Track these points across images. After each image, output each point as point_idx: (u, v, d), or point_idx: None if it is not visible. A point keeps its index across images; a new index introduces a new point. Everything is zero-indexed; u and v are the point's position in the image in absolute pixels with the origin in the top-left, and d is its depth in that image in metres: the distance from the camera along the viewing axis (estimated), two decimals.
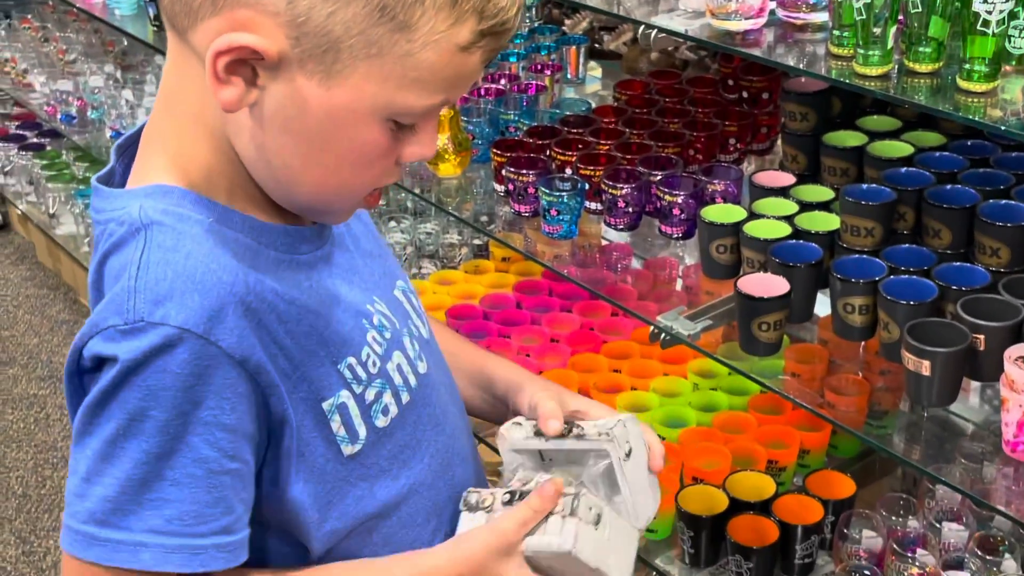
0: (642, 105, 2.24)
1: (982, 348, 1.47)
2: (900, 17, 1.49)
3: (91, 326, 0.96)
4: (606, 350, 2.33)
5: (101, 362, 0.95)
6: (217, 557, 0.97)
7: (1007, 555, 1.73)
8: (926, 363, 1.47)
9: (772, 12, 1.69)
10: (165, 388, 0.93)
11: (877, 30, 1.48)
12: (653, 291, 2.11)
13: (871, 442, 1.68)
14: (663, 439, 2.07)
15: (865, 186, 1.74)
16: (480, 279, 2.65)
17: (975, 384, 1.65)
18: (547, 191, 2.02)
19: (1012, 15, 1.39)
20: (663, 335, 1.85)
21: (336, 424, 1.04)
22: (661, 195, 1.94)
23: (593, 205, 2.05)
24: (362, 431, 1.06)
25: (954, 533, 1.79)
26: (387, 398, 1.09)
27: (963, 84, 1.43)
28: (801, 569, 1.87)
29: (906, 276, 1.59)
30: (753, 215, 1.81)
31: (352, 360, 1.06)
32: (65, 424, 3.24)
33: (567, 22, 2.83)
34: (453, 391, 1.25)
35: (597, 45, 2.80)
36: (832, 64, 1.56)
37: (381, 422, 1.08)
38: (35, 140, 4.19)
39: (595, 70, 2.75)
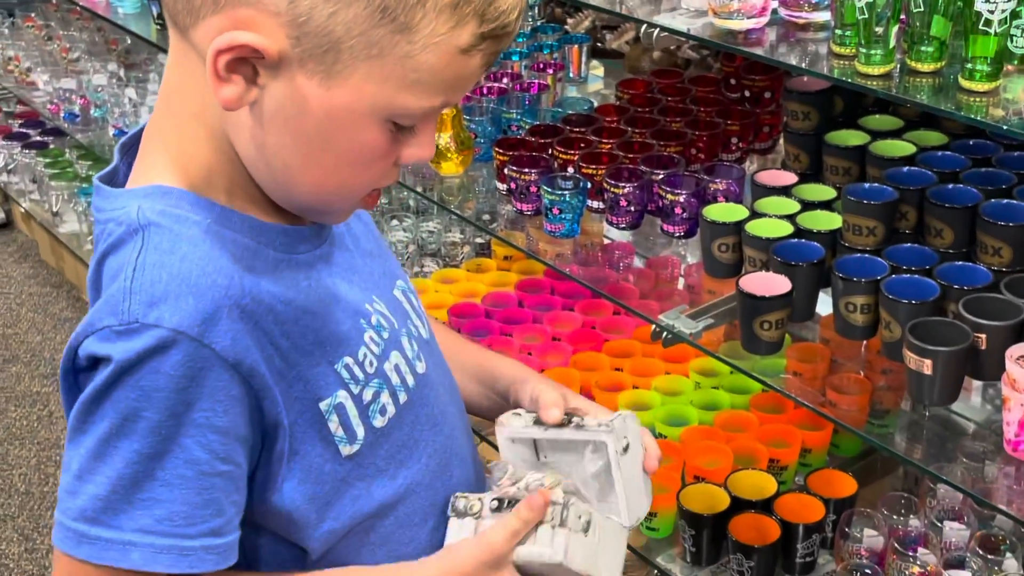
0: (644, 104, 2.24)
1: (984, 347, 1.48)
2: (902, 16, 1.49)
3: (87, 326, 0.96)
4: (608, 349, 2.33)
5: (96, 361, 0.95)
6: (206, 559, 0.98)
7: (1008, 554, 1.73)
8: (928, 362, 1.47)
9: (774, 11, 1.69)
10: (158, 389, 0.93)
11: (879, 29, 1.48)
12: (655, 290, 2.11)
13: (873, 441, 1.68)
14: (665, 438, 2.08)
15: (867, 185, 1.74)
16: (482, 278, 2.65)
17: (977, 383, 1.65)
18: (549, 190, 2.02)
19: (1014, 14, 1.39)
20: (665, 334, 1.85)
21: (334, 424, 1.04)
22: (663, 194, 1.94)
23: (595, 204, 2.05)
24: (360, 431, 1.07)
25: (955, 532, 1.79)
26: (384, 398, 1.09)
27: (965, 83, 1.43)
28: (802, 568, 1.87)
29: (908, 275, 1.59)
30: (755, 214, 1.81)
31: (349, 360, 1.06)
32: None
33: (569, 21, 2.84)
34: (453, 392, 1.25)
35: (599, 44, 2.80)
36: (834, 63, 1.56)
37: (379, 422, 1.08)
38: (38, 138, 4.19)
39: (597, 69, 2.75)
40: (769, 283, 1.69)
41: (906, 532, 1.80)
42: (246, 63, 0.93)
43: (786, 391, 1.77)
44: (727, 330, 1.88)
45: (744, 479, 1.94)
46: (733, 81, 2.22)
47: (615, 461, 1.16)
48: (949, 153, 1.83)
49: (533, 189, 2.07)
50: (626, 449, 1.17)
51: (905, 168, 1.78)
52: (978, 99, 1.42)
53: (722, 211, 1.84)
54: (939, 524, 1.81)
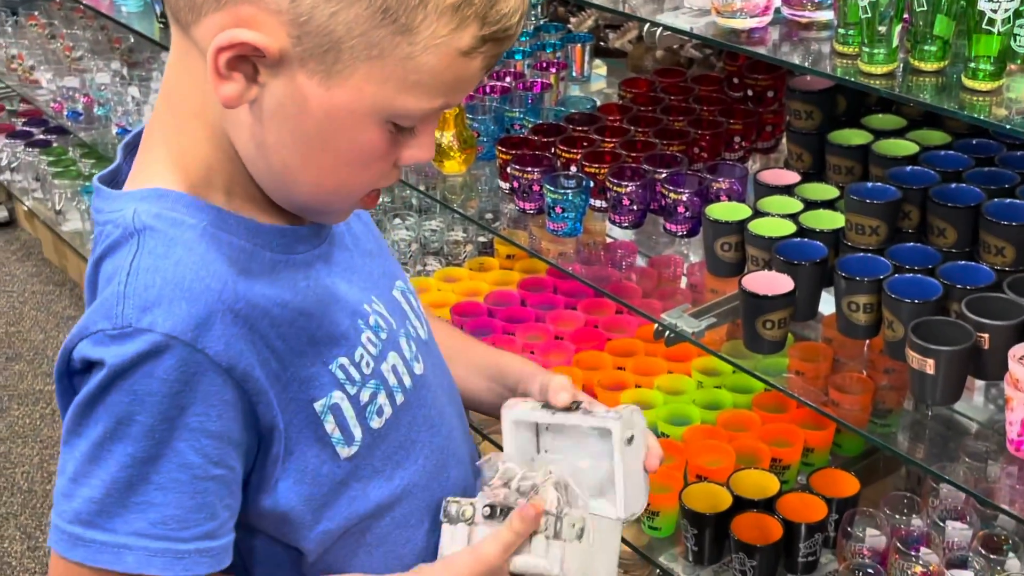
0: (647, 103, 2.24)
1: (986, 347, 1.47)
2: (905, 15, 1.49)
3: (81, 329, 0.96)
4: (610, 347, 2.33)
5: (90, 365, 0.95)
6: (200, 562, 0.98)
7: (1011, 554, 1.73)
8: (930, 362, 1.47)
9: (777, 10, 1.69)
10: (151, 393, 0.93)
11: (882, 28, 1.47)
12: (657, 289, 2.11)
13: (875, 440, 1.68)
14: (667, 437, 2.08)
15: (870, 184, 1.74)
16: (485, 276, 2.65)
17: (979, 383, 1.65)
18: (552, 188, 2.02)
19: (1017, 14, 1.39)
20: (667, 333, 1.85)
21: (330, 425, 1.04)
22: (666, 193, 1.94)
23: (598, 203, 2.05)
24: (358, 433, 1.06)
25: (958, 532, 1.79)
26: (381, 399, 1.09)
27: (968, 83, 1.43)
28: (804, 567, 1.87)
29: (911, 275, 1.59)
30: (758, 213, 1.81)
31: (344, 360, 1.06)
32: None
33: (572, 20, 2.83)
34: (452, 393, 1.25)
35: (602, 43, 2.80)
36: (837, 62, 1.56)
37: (376, 423, 1.08)
38: (41, 137, 4.20)
39: (600, 68, 2.74)
40: (772, 282, 1.69)
41: (908, 532, 1.80)
42: (247, 61, 0.93)
43: (788, 390, 1.77)
44: (729, 329, 1.88)
45: (746, 478, 1.94)
46: (736, 80, 2.22)
47: (619, 449, 1.16)
48: (952, 152, 1.83)
49: (536, 188, 2.07)
50: (630, 441, 1.17)
51: (908, 167, 1.78)
52: (981, 98, 1.42)
53: (725, 210, 1.84)
54: (941, 524, 1.81)
